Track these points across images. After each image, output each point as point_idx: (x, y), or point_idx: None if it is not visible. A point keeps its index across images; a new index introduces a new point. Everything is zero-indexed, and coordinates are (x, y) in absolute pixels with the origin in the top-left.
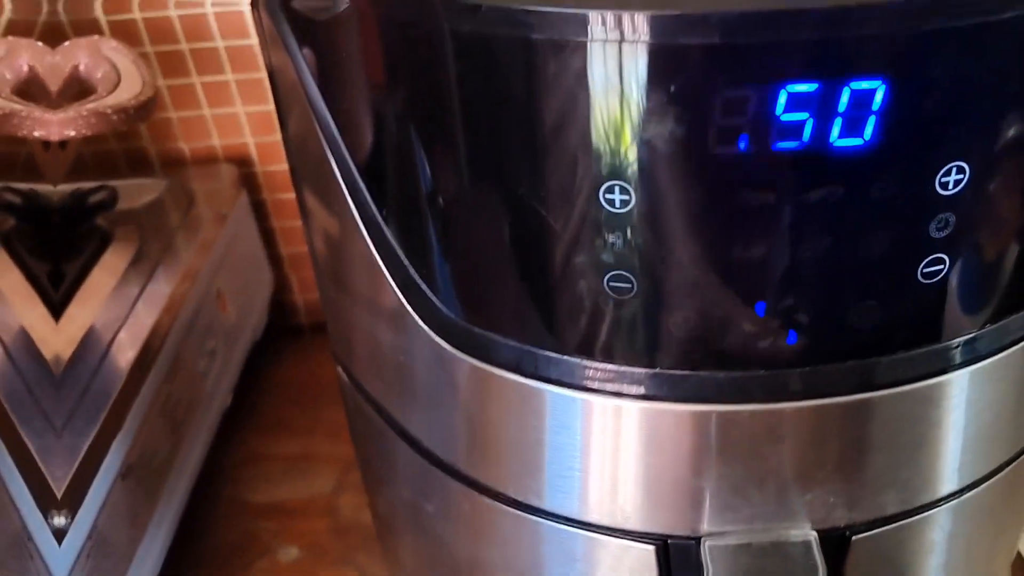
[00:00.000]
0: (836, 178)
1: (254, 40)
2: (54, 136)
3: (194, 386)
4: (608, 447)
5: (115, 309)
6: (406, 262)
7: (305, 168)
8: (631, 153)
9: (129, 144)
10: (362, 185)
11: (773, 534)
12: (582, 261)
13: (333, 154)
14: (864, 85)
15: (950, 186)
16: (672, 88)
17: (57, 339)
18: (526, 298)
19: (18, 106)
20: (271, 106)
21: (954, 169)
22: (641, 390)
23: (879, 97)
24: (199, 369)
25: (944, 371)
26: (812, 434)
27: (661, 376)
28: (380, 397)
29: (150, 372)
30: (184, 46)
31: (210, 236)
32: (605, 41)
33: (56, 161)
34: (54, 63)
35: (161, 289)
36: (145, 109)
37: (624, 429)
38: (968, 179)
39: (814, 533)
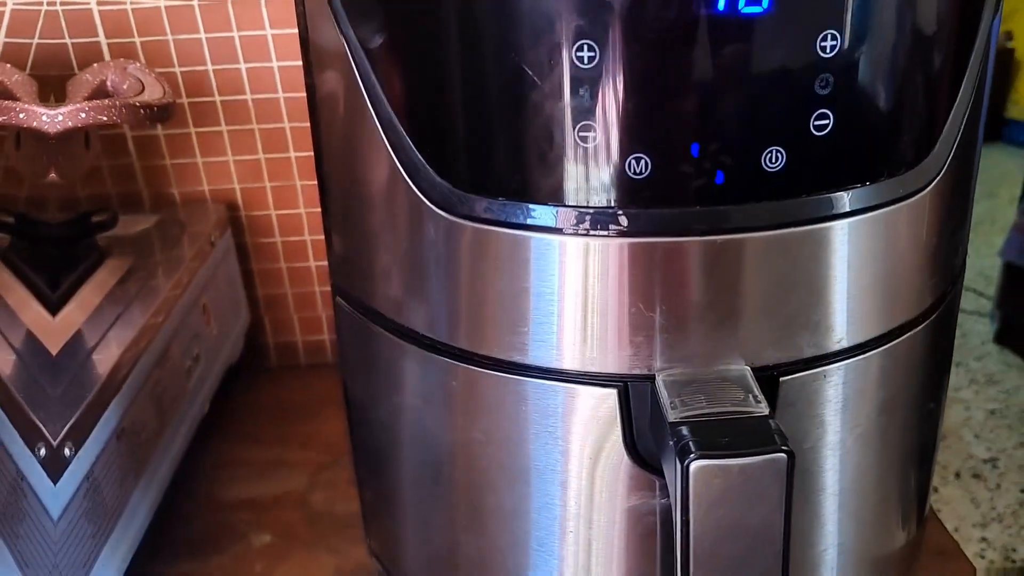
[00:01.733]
0: (744, 39)
1: (248, 96)
2: (84, 121)
3: (179, 380)
4: (579, 286)
5: (112, 306)
6: (413, 148)
7: (330, 96)
8: (597, 16)
9: (125, 188)
10: (380, 90)
11: (715, 371)
12: (559, 113)
13: (361, 75)
14: None
15: (827, 50)
16: None
17: (61, 326)
18: (514, 156)
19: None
20: (259, 155)
21: (829, 35)
22: (605, 228)
23: None
24: (184, 366)
25: (837, 216)
26: (737, 266)
27: (619, 214)
28: (383, 303)
29: (143, 354)
30: (184, 100)
31: (199, 256)
32: None
33: (78, 159)
34: (81, 79)
35: (155, 294)
36: (167, 111)
37: (591, 265)
38: (840, 45)
39: (748, 367)
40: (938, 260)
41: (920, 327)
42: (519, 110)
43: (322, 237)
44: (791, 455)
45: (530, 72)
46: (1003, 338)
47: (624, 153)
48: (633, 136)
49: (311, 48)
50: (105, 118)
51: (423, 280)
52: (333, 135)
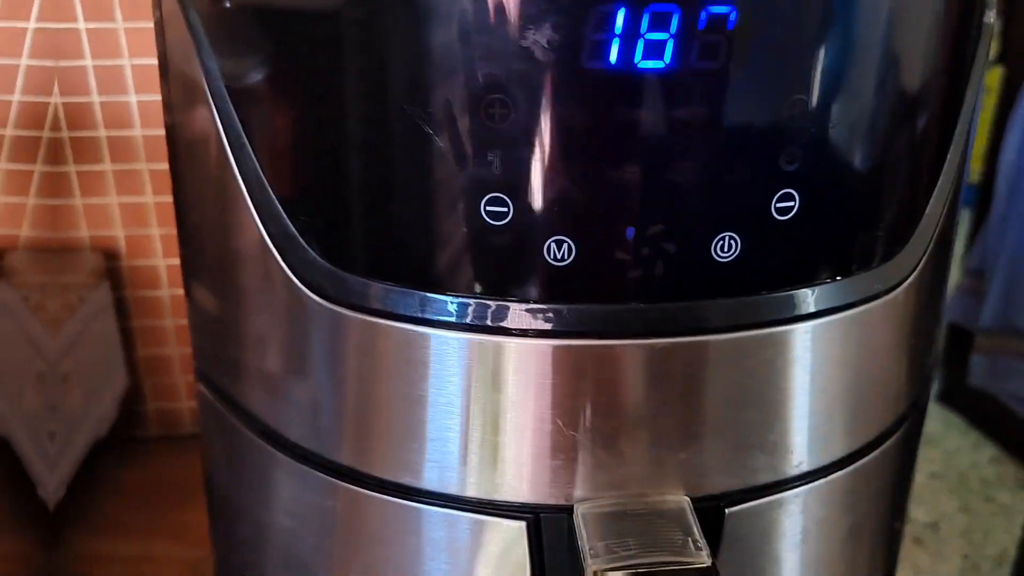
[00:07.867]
0: (696, 100)
1: (137, 131)
2: None
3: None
4: (485, 395)
5: None
6: (285, 217)
7: (189, 143)
8: (512, 63)
9: None
10: (247, 142)
11: (647, 502)
12: (462, 181)
13: (223, 121)
14: (718, 9)
15: (795, 118)
16: None
17: None
18: (406, 234)
19: None
20: (146, 198)
21: (797, 101)
22: (517, 325)
23: (731, 20)
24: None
25: (801, 318)
26: (680, 375)
27: (537, 310)
28: (253, 402)
29: None
30: (64, 134)
31: (62, 316)
32: None
33: None
34: None
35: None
36: None
37: (501, 370)
38: (810, 112)
39: (687, 498)
40: (913, 363)
41: (890, 440)
42: (415, 176)
43: None
44: None
45: (428, 127)
46: (945, 398)
47: (542, 234)
48: (553, 213)
49: (169, 79)
50: None
51: (298, 380)
52: (192, 189)
